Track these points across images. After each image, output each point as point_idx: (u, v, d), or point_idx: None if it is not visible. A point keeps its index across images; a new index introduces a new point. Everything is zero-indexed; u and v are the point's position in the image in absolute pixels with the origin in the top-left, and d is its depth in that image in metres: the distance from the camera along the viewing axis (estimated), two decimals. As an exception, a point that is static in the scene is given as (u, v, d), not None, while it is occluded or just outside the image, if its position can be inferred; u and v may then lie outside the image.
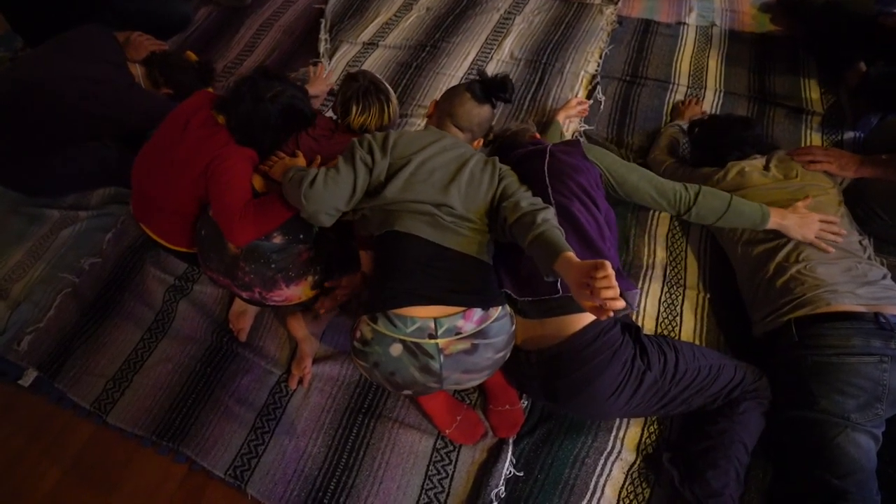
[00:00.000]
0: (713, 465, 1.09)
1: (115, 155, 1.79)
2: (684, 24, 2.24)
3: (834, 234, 1.27)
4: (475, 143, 1.38)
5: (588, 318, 1.11)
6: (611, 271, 0.82)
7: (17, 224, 1.85)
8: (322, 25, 2.40)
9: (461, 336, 1.06)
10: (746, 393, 1.16)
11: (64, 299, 1.65)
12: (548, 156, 1.30)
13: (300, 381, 1.42)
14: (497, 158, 1.25)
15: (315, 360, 1.46)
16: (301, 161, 1.36)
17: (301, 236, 1.30)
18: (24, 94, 1.63)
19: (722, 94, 1.96)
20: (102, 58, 1.74)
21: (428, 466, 1.30)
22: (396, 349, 1.06)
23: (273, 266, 1.27)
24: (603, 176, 1.33)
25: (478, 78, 1.31)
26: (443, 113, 1.31)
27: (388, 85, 1.54)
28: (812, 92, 1.94)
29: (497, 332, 1.09)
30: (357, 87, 1.47)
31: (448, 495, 1.26)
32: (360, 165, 1.15)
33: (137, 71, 1.85)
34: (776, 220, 1.27)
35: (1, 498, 1.35)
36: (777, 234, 1.30)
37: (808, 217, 1.28)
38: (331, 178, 1.14)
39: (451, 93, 1.33)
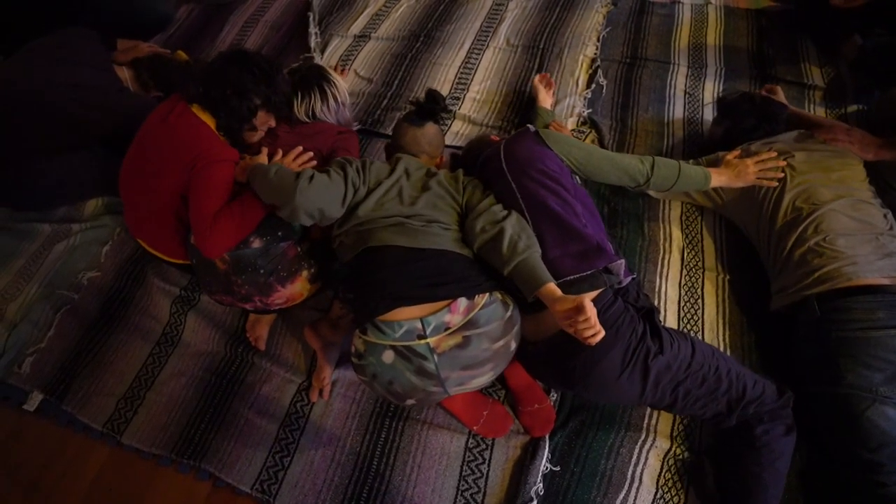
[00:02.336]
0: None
1: (104, 162, 1.70)
2: (679, 2, 2.22)
3: (771, 167, 1.36)
4: (436, 160, 1.43)
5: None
6: (591, 313, 0.92)
7: (6, 241, 1.77)
8: (310, 19, 2.32)
9: (451, 331, 1.03)
10: (766, 413, 1.13)
11: (64, 317, 1.58)
12: (502, 152, 1.31)
13: (321, 393, 1.38)
14: (461, 171, 1.31)
15: (336, 364, 1.42)
16: (263, 158, 1.32)
17: (280, 234, 1.27)
18: (8, 102, 1.55)
19: (723, 72, 1.95)
20: (88, 62, 1.65)
21: (462, 467, 1.27)
22: (388, 356, 1.04)
23: (262, 271, 1.24)
24: (564, 160, 1.32)
25: (412, 107, 1.43)
26: (394, 150, 1.40)
27: (330, 71, 1.58)
28: (812, 66, 1.94)
29: (488, 319, 1.05)
30: (294, 79, 1.51)
31: (485, 495, 1.24)
32: (349, 183, 1.18)
33: (125, 74, 1.77)
34: (715, 178, 1.36)
35: (17, 530, 1.29)
36: (798, 210, 1.29)
37: (740, 165, 1.37)
38: (325, 182, 1.16)
39: (394, 130, 1.44)
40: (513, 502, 1.21)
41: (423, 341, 1.02)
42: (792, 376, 1.23)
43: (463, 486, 1.25)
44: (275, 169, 1.18)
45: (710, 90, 1.90)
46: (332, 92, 1.51)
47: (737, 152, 1.42)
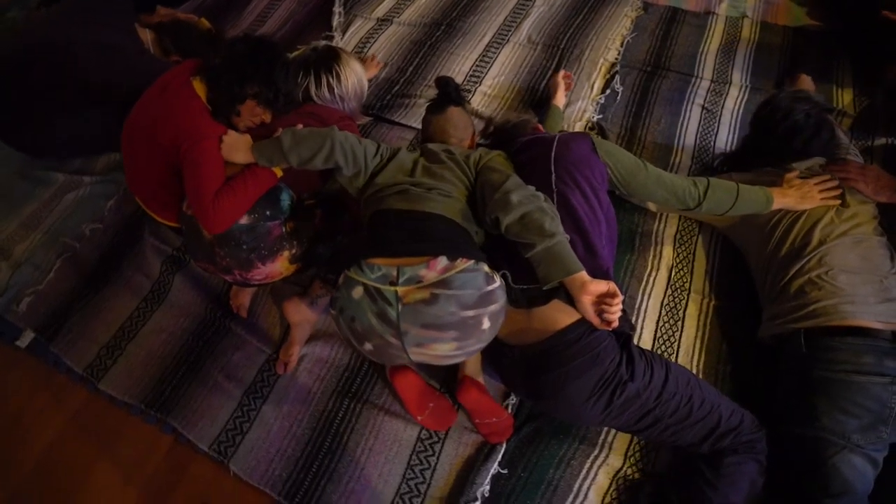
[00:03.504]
0: None
1: (119, 120, 1.76)
2: (714, 14, 2.13)
3: (833, 188, 1.27)
4: (467, 142, 1.43)
5: (573, 316, 1.08)
6: (620, 297, 1.00)
7: (22, 186, 1.86)
8: (337, -3, 2.34)
9: (421, 285, 1.02)
10: (740, 445, 1.08)
11: (64, 264, 1.66)
12: (556, 144, 1.28)
13: (285, 367, 1.41)
14: (484, 149, 1.30)
15: (307, 340, 1.45)
16: (246, 139, 1.31)
17: (268, 213, 1.28)
18: (38, 56, 1.62)
19: (748, 91, 1.86)
20: (115, 23, 1.71)
21: (411, 456, 1.28)
22: (358, 292, 1.06)
23: (245, 247, 1.26)
24: (611, 173, 1.28)
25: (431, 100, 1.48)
26: (426, 140, 1.45)
27: (346, 61, 1.54)
28: (845, 93, 1.84)
29: (462, 284, 1.02)
30: (307, 57, 1.53)
31: (429, 486, 1.25)
32: (373, 144, 1.28)
33: (146, 37, 1.83)
34: (780, 199, 1.28)
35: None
36: (806, 241, 1.23)
37: (804, 186, 1.28)
38: (354, 136, 1.26)
39: (423, 126, 1.49)
40: (456, 499, 1.21)
41: (392, 288, 1.03)
42: (767, 414, 1.18)
43: (409, 474, 1.26)
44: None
45: (731, 108, 1.82)
46: (328, 81, 1.49)
47: (796, 172, 1.33)
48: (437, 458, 1.28)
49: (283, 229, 1.31)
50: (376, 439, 1.31)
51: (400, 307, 1.01)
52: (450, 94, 1.43)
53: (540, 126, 1.53)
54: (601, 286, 1.01)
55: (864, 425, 1.03)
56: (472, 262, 1.04)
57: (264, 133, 1.30)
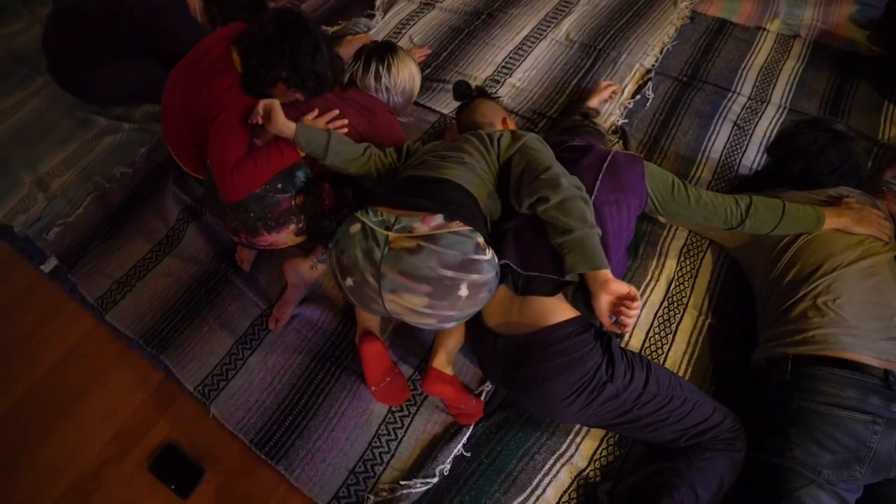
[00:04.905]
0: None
1: (161, 74, 1.86)
2: (764, 29, 2.04)
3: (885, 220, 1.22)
4: (497, 125, 1.46)
5: (565, 314, 1.07)
6: (640, 302, 1.00)
7: (68, 126, 2.00)
8: (383, -24, 2.37)
9: (412, 235, 1.05)
10: (719, 441, 1.06)
11: (92, 201, 1.77)
12: (610, 159, 1.25)
13: (276, 323, 1.46)
14: (516, 130, 1.31)
15: (301, 301, 1.50)
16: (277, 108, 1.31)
17: (279, 186, 1.32)
18: (97, 8, 1.74)
19: (785, 112, 1.79)
20: None
21: (380, 426, 1.31)
22: (355, 228, 1.10)
23: (252, 215, 1.31)
24: (650, 197, 1.25)
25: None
26: (464, 129, 1.47)
27: (402, 57, 1.57)
28: (892, 125, 1.74)
29: (450, 244, 1.03)
30: (366, 48, 1.58)
31: (392, 457, 1.27)
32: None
33: (195, 3, 1.91)
34: (833, 219, 1.21)
35: (6, 369, 1.49)
36: (817, 266, 1.17)
37: (864, 210, 1.21)
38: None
39: (456, 123, 1.56)
40: (416, 473, 1.23)
41: (385, 231, 1.07)
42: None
43: (376, 442, 1.29)
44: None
45: (764, 127, 1.75)
46: (377, 69, 1.52)
47: (853, 197, 1.25)
48: (405, 432, 1.30)
49: (293, 203, 1.35)
50: (350, 405, 1.34)
51: (386, 250, 1.05)
52: (468, 95, 1.50)
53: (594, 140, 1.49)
54: (623, 287, 1.00)
55: (839, 461, 0.98)
56: (468, 228, 1.06)
57: (295, 114, 1.34)
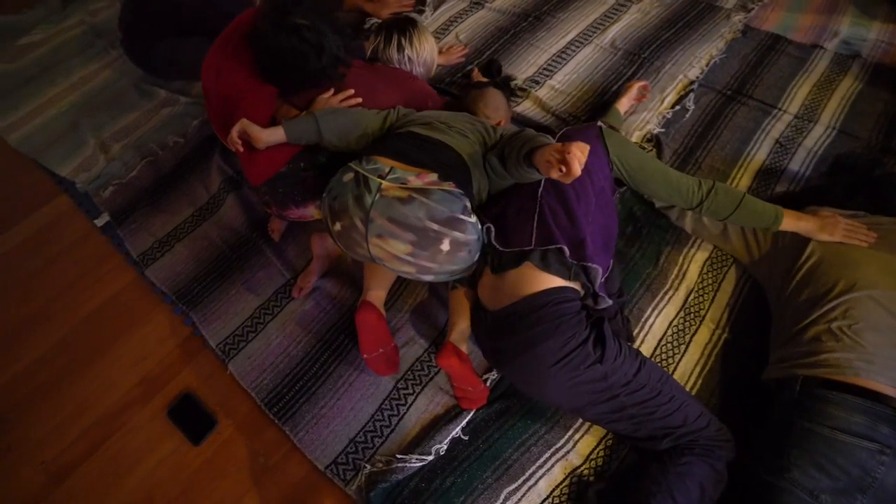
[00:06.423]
0: None
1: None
2: (821, 47, 1.97)
3: (865, 234, 1.20)
4: (494, 121, 1.49)
5: (545, 284, 1.11)
6: (576, 149, 0.91)
7: (133, 95, 2.15)
8: (437, -27, 2.43)
9: (404, 186, 1.11)
10: (697, 446, 1.05)
11: (145, 165, 1.90)
12: (560, 132, 1.36)
13: (300, 292, 1.53)
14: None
15: (324, 274, 1.56)
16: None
17: (301, 165, 1.39)
18: None
19: (834, 133, 1.72)
20: None
21: (384, 401, 1.35)
22: (349, 176, 1.17)
23: (280, 190, 1.39)
24: (615, 164, 1.30)
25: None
26: (462, 107, 1.54)
27: (419, 30, 1.62)
28: (951, 157, 1.64)
29: (440, 200, 1.11)
30: (385, 23, 1.63)
31: (393, 431, 1.31)
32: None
33: None
34: (791, 220, 1.24)
35: (45, 313, 1.62)
36: (834, 283, 1.14)
37: (831, 218, 1.23)
38: None
39: (462, 96, 1.60)
40: (413, 449, 1.27)
41: (379, 179, 1.13)
42: (741, 457, 1.11)
43: (378, 416, 1.33)
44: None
45: (808, 147, 1.69)
46: (399, 41, 1.58)
47: (826, 210, 1.28)
48: (408, 409, 1.34)
49: (318, 181, 1.40)
50: (357, 377, 1.39)
51: (377, 197, 1.11)
52: (492, 77, 1.53)
53: None
54: (557, 146, 0.96)
55: (839, 489, 0.95)
56: (459, 191, 1.12)
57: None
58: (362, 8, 2.17)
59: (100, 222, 1.80)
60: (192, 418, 1.38)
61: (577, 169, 0.91)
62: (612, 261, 1.28)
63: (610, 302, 1.18)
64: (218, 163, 1.85)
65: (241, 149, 1.29)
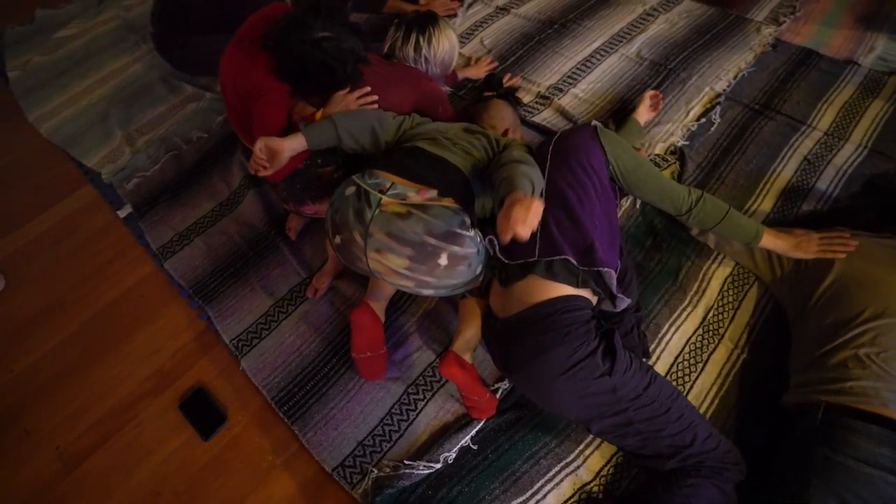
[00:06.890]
0: None
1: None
2: (854, 63, 1.92)
3: (842, 244, 1.23)
4: (500, 132, 1.50)
5: (554, 292, 1.11)
6: (528, 210, 0.96)
7: (160, 90, 2.19)
8: (467, -21, 2.43)
9: (404, 202, 1.13)
10: (704, 468, 1.02)
11: (169, 159, 1.93)
12: (556, 137, 1.38)
13: (315, 292, 1.53)
14: (521, 144, 1.41)
15: (339, 276, 1.57)
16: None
17: (319, 161, 1.39)
18: None
19: (865, 152, 1.67)
20: None
21: (394, 405, 1.35)
22: (350, 190, 1.18)
23: (298, 186, 1.40)
24: (610, 163, 1.32)
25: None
26: (468, 121, 1.52)
27: (439, 28, 1.59)
28: None
29: (438, 215, 1.11)
30: (406, 18, 1.61)
31: (401, 436, 1.30)
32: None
33: None
34: (770, 238, 1.30)
35: (76, 294, 1.65)
36: (862, 308, 1.11)
37: (805, 237, 1.29)
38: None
39: (468, 109, 1.62)
40: (421, 455, 1.26)
41: (379, 194, 1.14)
42: (757, 483, 1.08)
43: (388, 420, 1.33)
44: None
45: (838, 165, 1.65)
46: (417, 40, 1.56)
47: (802, 231, 1.32)
48: (417, 415, 1.33)
49: (335, 176, 1.42)
50: (368, 381, 1.38)
51: (377, 212, 1.12)
52: (493, 90, 1.56)
53: None
54: (516, 200, 0.99)
55: (859, 523, 0.92)
56: (458, 206, 1.13)
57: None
58: (403, 10, 2.18)
59: (122, 213, 1.83)
60: (203, 413, 1.39)
61: (524, 233, 0.96)
62: (618, 260, 1.25)
63: (628, 301, 1.17)
64: (239, 159, 1.87)
65: (270, 172, 1.25)
